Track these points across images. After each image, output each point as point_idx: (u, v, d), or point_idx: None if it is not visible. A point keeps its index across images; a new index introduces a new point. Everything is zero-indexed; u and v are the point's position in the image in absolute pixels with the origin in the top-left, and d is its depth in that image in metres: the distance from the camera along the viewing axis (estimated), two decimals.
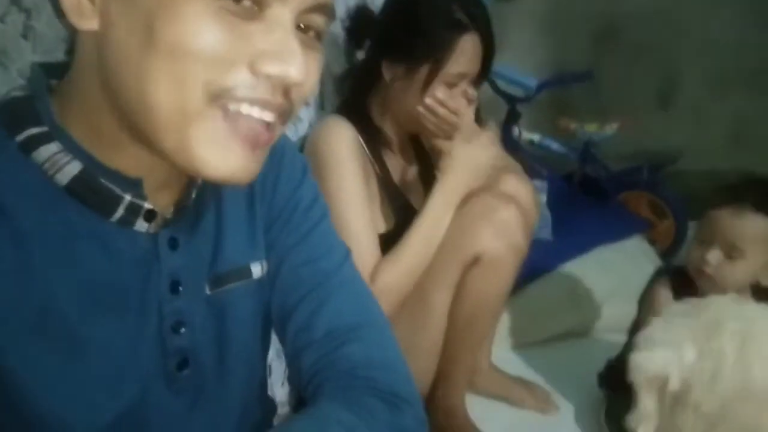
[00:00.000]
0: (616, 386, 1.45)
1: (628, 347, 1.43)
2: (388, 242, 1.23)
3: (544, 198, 2.01)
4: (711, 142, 2.63)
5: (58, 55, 0.60)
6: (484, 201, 1.27)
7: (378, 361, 0.65)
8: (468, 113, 1.26)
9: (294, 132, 1.36)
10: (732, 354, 0.62)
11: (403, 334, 1.07)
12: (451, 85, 1.23)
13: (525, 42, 2.63)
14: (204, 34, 0.46)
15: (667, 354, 0.64)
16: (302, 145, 1.27)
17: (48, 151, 0.52)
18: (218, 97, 0.48)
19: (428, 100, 1.23)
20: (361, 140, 1.25)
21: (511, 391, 1.52)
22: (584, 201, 2.27)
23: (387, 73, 1.24)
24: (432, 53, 1.20)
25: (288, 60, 0.48)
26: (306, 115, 1.44)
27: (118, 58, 0.49)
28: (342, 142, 1.21)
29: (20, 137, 0.52)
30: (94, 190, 0.53)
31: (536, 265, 1.70)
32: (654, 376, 0.64)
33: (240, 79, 0.48)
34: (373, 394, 0.62)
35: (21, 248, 0.51)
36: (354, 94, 1.31)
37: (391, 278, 1.18)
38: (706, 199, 1.27)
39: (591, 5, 2.66)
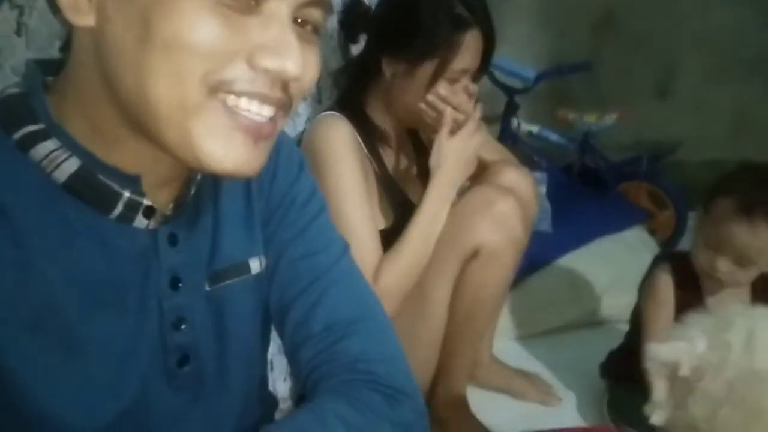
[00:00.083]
0: (618, 376, 1.46)
1: (630, 337, 1.45)
2: (388, 238, 1.23)
3: (543, 190, 2.01)
4: (710, 132, 2.63)
5: (52, 52, 0.60)
6: (483, 194, 1.26)
7: (377, 355, 0.65)
8: (475, 110, 1.25)
9: (292, 127, 1.36)
10: (739, 344, 0.66)
11: (403, 328, 1.07)
12: (452, 81, 1.23)
13: (523, 33, 2.62)
14: (201, 28, 0.46)
15: (679, 344, 0.69)
16: (299, 142, 1.26)
17: (45, 148, 0.52)
18: (217, 90, 0.48)
19: (430, 97, 1.23)
20: (358, 137, 1.24)
21: (512, 383, 1.52)
22: (584, 192, 2.27)
23: (388, 70, 1.24)
24: (436, 52, 1.19)
25: (285, 54, 0.48)
26: (304, 109, 1.44)
27: (115, 54, 0.48)
28: (339, 139, 1.20)
29: (17, 135, 0.52)
30: (92, 187, 0.53)
31: (536, 257, 1.70)
32: (666, 362, 0.69)
33: (238, 73, 0.48)
34: (373, 387, 0.63)
35: (19, 247, 0.51)
36: (351, 90, 1.31)
37: (392, 278, 1.18)
38: (706, 188, 1.27)
39: None
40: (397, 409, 0.62)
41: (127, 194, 0.54)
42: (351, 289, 0.69)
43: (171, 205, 0.59)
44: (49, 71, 0.56)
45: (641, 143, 2.45)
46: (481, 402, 1.44)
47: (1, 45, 0.76)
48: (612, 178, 2.33)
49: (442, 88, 1.22)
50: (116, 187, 0.54)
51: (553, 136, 2.33)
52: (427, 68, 1.21)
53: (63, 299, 0.53)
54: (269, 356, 1.11)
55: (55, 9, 0.49)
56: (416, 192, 1.34)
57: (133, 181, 0.54)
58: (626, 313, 1.50)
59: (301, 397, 0.67)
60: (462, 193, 1.28)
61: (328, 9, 0.53)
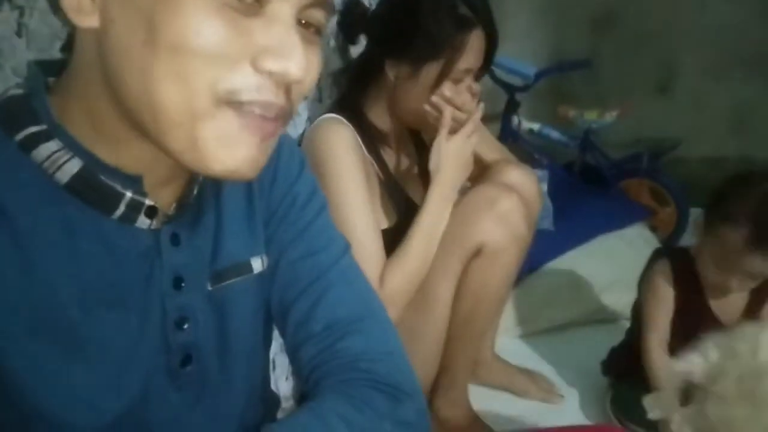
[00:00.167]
0: (620, 373, 1.46)
1: (631, 334, 1.45)
2: (391, 237, 1.22)
3: (544, 187, 2.01)
4: (711, 129, 2.63)
5: (53, 53, 0.60)
6: (486, 192, 1.26)
7: (378, 354, 0.65)
8: (477, 110, 1.25)
9: (293, 127, 1.36)
10: (746, 348, 0.69)
11: (406, 326, 1.07)
12: (456, 81, 1.23)
13: (523, 30, 2.62)
14: (206, 30, 0.46)
15: (693, 356, 0.73)
16: (299, 143, 1.26)
17: (47, 149, 0.52)
18: (226, 100, 0.48)
19: (435, 98, 1.23)
20: (359, 138, 1.24)
21: (514, 382, 1.52)
22: (585, 190, 2.27)
23: (391, 71, 1.23)
24: (441, 53, 1.19)
25: (288, 55, 0.48)
26: (304, 109, 1.43)
27: (119, 56, 0.48)
28: (340, 142, 1.20)
29: (19, 136, 0.52)
30: (94, 188, 0.53)
31: (538, 255, 1.70)
32: (681, 372, 0.72)
33: (245, 81, 0.48)
34: (374, 386, 0.63)
35: (22, 247, 0.51)
36: (352, 92, 1.30)
37: (397, 283, 1.18)
38: (707, 185, 1.27)
39: None
40: (398, 407, 0.62)
41: (129, 194, 0.54)
42: (352, 288, 0.69)
43: (173, 205, 0.59)
44: (51, 72, 0.56)
45: (642, 140, 2.45)
46: (484, 400, 1.44)
47: (1, 46, 0.75)
48: (613, 176, 2.33)
49: (447, 88, 1.22)
50: (118, 187, 0.54)
51: (554, 134, 2.33)
52: (432, 69, 1.21)
53: (65, 299, 0.53)
54: (271, 355, 1.11)
55: (57, 9, 0.49)
56: (418, 191, 1.34)
57: (134, 182, 0.54)
58: (628, 310, 1.50)
59: (303, 396, 0.67)
60: (464, 192, 1.27)
61: (330, 10, 0.53)
